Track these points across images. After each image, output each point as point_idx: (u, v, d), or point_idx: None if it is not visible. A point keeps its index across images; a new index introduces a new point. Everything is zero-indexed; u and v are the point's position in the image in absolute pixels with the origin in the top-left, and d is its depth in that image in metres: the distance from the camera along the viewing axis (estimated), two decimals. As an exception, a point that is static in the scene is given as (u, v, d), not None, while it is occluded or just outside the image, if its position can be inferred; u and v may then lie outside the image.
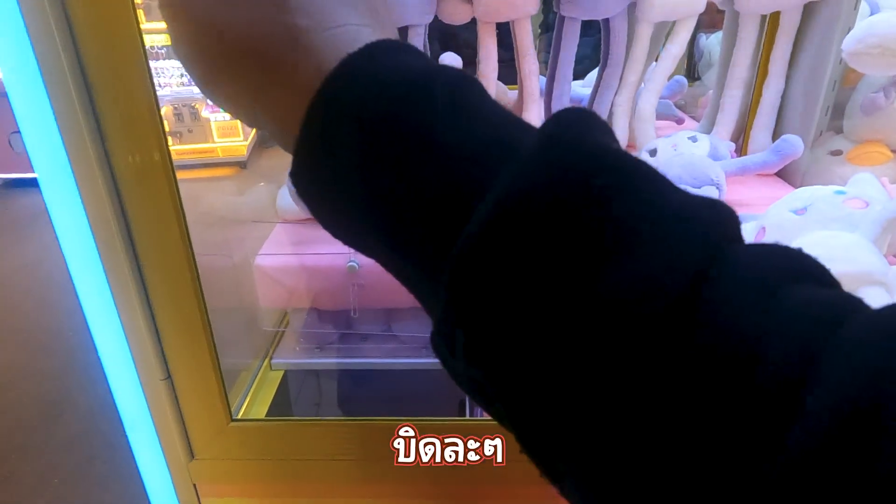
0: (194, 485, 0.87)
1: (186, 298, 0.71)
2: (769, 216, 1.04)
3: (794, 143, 1.30)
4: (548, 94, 1.64)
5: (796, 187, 1.46)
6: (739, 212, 1.08)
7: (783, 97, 1.51)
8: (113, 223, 0.66)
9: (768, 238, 1.01)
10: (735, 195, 1.38)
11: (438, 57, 2.11)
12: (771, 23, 1.49)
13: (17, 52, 0.59)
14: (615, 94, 1.58)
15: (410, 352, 1.30)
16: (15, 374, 2.91)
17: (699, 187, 1.25)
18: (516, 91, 1.74)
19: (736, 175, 1.33)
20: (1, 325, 3.27)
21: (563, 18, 1.51)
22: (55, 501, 2.23)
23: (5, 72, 0.60)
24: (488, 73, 1.57)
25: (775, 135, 1.54)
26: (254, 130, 5.57)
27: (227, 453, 0.85)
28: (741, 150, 1.60)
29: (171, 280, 0.71)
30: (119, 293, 0.69)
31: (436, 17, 1.54)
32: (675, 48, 1.47)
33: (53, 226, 0.67)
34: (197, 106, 5.45)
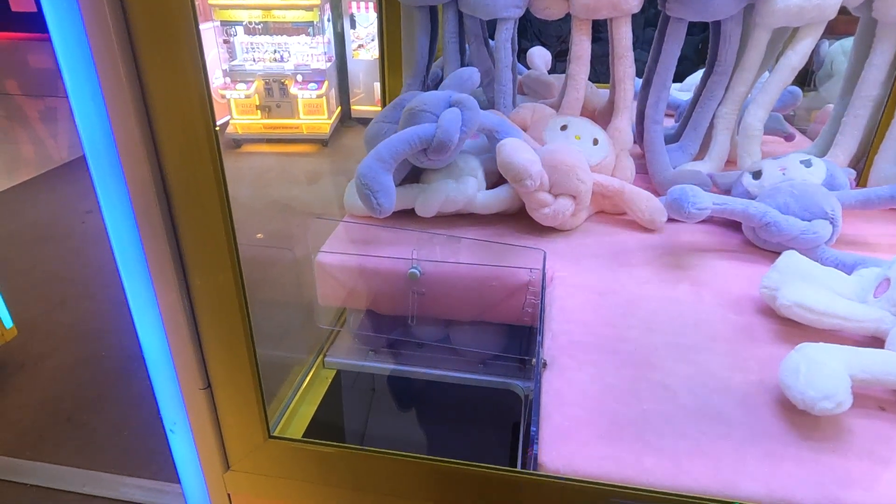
0: (229, 495, 0.86)
1: (231, 314, 0.68)
2: (896, 267, 0.89)
3: (931, 177, 1.11)
4: (642, 99, 1.51)
5: (927, 227, 1.27)
6: (857, 252, 0.92)
7: (920, 121, 1.32)
8: (160, 223, 0.64)
9: (893, 294, 0.86)
10: (852, 230, 1.21)
11: (527, 52, 2.01)
12: (915, 34, 1.29)
13: (68, 29, 0.57)
14: (719, 104, 1.43)
15: (468, 366, 1.24)
16: (102, 325, 3.10)
17: (810, 220, 1.10)
18: (607, 90, 1.62)
19: (855, 209, 1.16)
20: (92, 279, 3.50)
21: (667, 18, 1.38)
22: (124, 453, 2.36)
23: (58, 47, 0.58)
24: (578, 73, 1.45)
25: (906, 164, 1.35)
26: (338, 109, 5.65)
27: (262, 468, 0.83)
28: (861, 178, 1.41)
29: (216, 291, 0.68)
30: (163, 297, 0.67)
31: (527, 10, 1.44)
32: (796, 58, 1.30)
33: (104, 222, 0.65)
34: (287, 82, 5.59)
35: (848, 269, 1.03)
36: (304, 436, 1.12)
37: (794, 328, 0.91)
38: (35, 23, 6.63)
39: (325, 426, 1.23)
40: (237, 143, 5.57)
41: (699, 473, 0.70)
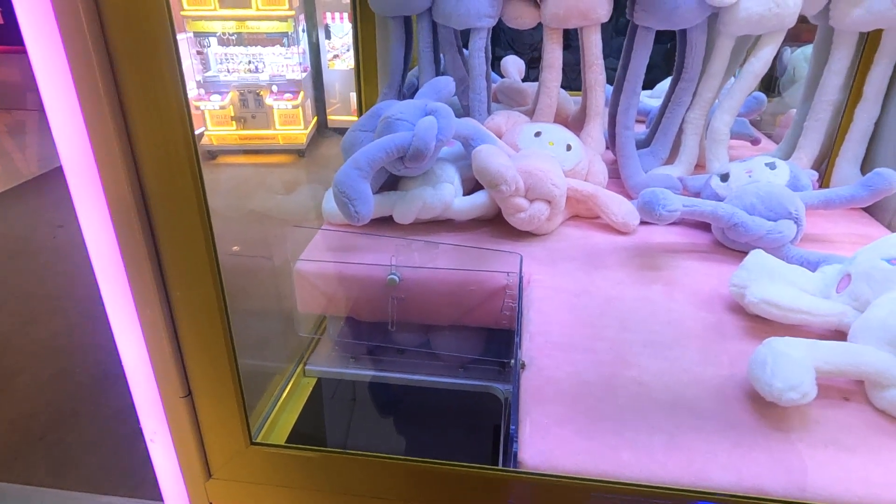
0: (210, 503, 0.85)
1: (211, 323, 0.68)
2: (857, 263, 0.92)
3: (888, 177, 1.16)
4: (613, 105, 1.54)
5: (886, 225, 1.32)
6: (821, 250, 0.96)
7: (877, 125, 1.37)
8: (139, 233, 0.64)
9: (854, 288, 0.90)
10: (816, 230, 1.26)
11: (500, 60, 2.04)
12: (870, 42, 1.35)
13: (44, 39, 0.57)
14: (687, 110, 1.47)
15: (448, 370, 1.25)
16: (74, 341, 3.04)
17: (775, 220, 1.14)
18: (579, 97, 1.66)
19: (818, 209, 1.21)
20: (64, 294, 3.43)
21: (635, 27, 1.42)
22: (100, 471, 2.31)
23: (34, 60, 0.58)
24: (550, 80, 1.49)
25: (864, 166, 1.40)
26: (314, 119, 5.64)
27: (244, 475, 0.83)
28: (823, 180, 1.46)
29: (196, 302, 0.68)
30: (141, 301, 0.67)
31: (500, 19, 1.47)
32: (758, 65, 1.35)
33: (83, 235, 0.65)
34: (262, 93, 5.56)
35: (812, 266, 1.07)
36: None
37: (762, 324, 0.95)
38: (2, 35, 6.50)
39: (306, 435, 1.23)
40: (212, 154, 5.52)
41: (674, 465, 0.72)
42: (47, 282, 3.59)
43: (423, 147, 1.13)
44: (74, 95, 0.60)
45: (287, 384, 1.25)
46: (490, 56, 1.55)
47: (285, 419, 1.20)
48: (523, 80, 1.99)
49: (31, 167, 5.38)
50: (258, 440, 0.89)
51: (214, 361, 0.72)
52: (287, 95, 5.41)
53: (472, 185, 1.31)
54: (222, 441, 0.79)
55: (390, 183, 1.28)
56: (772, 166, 1.26)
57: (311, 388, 1.28)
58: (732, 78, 1.52)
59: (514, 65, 2.01)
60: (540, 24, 1.45)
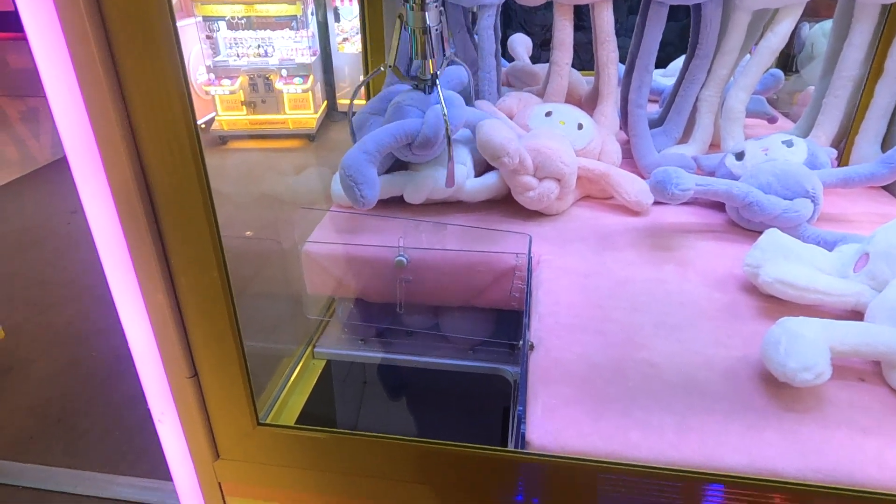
0: (219, 483, 0.86)
1: (216, 306, 0.68)
2: (875, 241, 0.90)
3: (909, 154, 1.13)
4: (625, 84, 1.51)
5: (906, 204, 1.29)
6: (838, 229, 0.94)
7: (899, 100, 1.33)
8: (143, 218, 0.63)
9: (872, 268, 0.88)
10: (834, 209, 1.23)
11: (508, 38, 2.01)
12: (892, 15, 1.30)
13: (43, 25, 0.56)
14: (701, 88, 1.43)
15: (458, 352, 1.25)
16: (89, 327, 3.07)
17: (792, 199, 1.11)
18: (592, 77, 1.62)
19: (836, 187, 1.18)
20: (78, 281, 3.46)
21: (648, 2, 1.38)
22: (115, 453, 2.34)
23: (35, 47, 0.57)
24: (561, 59, 1.46)
25: (885, 143, 1.36)
26: (324, 103, 5.61)
27: (252, 456, 0.83)
28: (842, 158, 1.43)
29: (202, 287, 0.67)
30: (147, 285, 0.67)
31: (509, -3, 1.44)
32: (776, 40, 1.31)
33: (88, 222, 0.65)
34: (271, 77, 5.54)
35: (829, 245, 1.04)
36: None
37: (776, 304, 0.93)
38: (14, 22, 6.52)
39: (315, 416, 1.23)
40: (223, 139, 5.53)
41: (685, 447, 0.71)
42: (62, 269, 3.63)
43: (431, 135, 1.11)
44: (75, 82, 0.59)
45: (296, 366, 1.25)
46: (500, 35, 1.52)
47: (295, 401, 1.20)
48: (533, 62, 1.96)
49: (45, 153, 5.43)
50: (268, 422, 0.89)
51: (219, 342, 0.72)
52: (297, 79, 5.39)
53: (483, 168, 1.30)
54: (230, 422, 0.79)
55: (401, 162, 1.27)
56: (789, 144, 1.23)
57: (320, 371, 1.28)
58: (748, 55, 1.48)
59: (521, 43, 1.98)
60: (551, 4, 1.42)
